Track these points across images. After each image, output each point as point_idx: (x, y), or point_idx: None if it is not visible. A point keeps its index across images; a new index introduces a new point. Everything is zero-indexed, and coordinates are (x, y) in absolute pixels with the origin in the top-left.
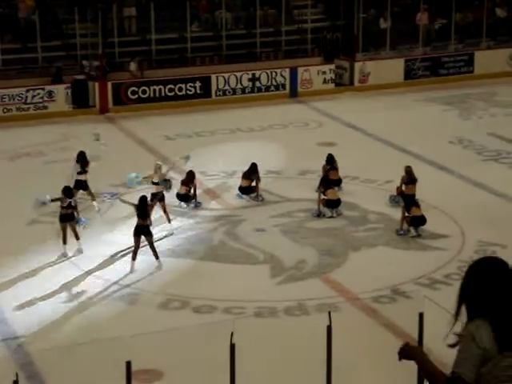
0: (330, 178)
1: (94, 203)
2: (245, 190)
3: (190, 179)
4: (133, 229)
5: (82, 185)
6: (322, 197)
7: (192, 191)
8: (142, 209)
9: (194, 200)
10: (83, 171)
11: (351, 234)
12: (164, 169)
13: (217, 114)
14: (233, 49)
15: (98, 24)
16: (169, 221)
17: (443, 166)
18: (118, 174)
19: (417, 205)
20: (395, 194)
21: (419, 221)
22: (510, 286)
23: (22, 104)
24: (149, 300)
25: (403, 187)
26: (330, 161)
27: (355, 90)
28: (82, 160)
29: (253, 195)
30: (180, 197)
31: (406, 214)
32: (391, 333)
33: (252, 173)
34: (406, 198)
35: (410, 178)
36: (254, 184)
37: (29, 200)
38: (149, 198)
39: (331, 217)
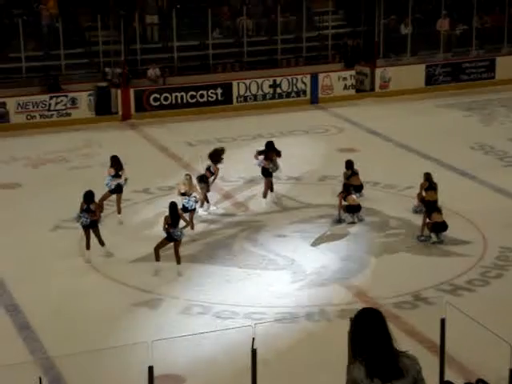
0: (351, 184)
1: (119, 216)
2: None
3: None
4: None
5: (120, 188)
6: (343, 202)
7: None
8: (174, 216)
9: (208, 204)
10: (118, 175)
11: (372, 239)
12: (194, 180)
13: (238, 121)
14: (254, 55)
15: (121, 31)
16: (192, 227)
17: (465, 171)
18: (140, 180)
19: (438, 211)
20: (416, 203)
21: (440, 227)
22: (380, 332)
23: (45, 111)
24: (171, 305)
25: (423, 193)
26: (351, 166)
27: (376, 96)
28: (117, 164)
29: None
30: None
31: (428, 220)
32: (413, 339)
33: (270, 151)
34: (427, 204)
35: (429, 185)
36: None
37: (52, 206)
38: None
39: (352, 222)
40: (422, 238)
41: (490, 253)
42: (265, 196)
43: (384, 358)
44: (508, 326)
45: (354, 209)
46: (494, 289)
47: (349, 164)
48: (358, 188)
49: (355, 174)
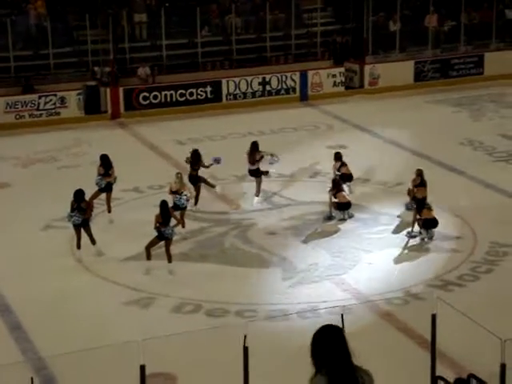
0: (343, 173)
1: (109, 215)
2: (254, 172)
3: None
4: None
5: (110, 187)
6: (333, 199)
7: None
8: (164, 214)
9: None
10: (108, 174)
11: (363, 236)
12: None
13: (228, 119)
14: (243, 53)
15: (109, 30)
16: (183, 226)
17: (454, 167)
18: (130, 179)
19: (428, 207)
20: (409, 200)
21: (431, 223)
22: (341, 347)
23: (34, 110)
24: (162, 304)
25: (414, 190)
26: (339, 158)
27: (365, 93)
28: (106, 163)
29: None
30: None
31: (418, 217)
32: (404, 335)
33: (254, 153)
34: (418, 201)
35: (420, 181)
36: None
37: (42, 205)
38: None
39: (342, 219)
40: (413, 233)
41: (480, 248)
42: (257, 194)
43: (345, 372)
44: (499, 321)
45: (344, 206)
46: (485, 284)
47: (337, 156)
48: (349, 177)
49: (344, 165)
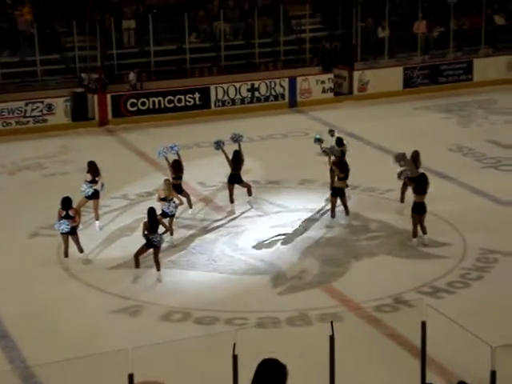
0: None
1: (97, 223)
2: (235, 178)
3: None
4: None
5: (97, 194)
6: (336, 180)
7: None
8: (152, 221)
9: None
10: (95, 181)
11: (352, 243)
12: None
13: (216, 125)
14: (231, 59)
15: (97, 36)
16: (171, 233)
17: (443, 173)
18: (118, 186)
19: (422, 192)
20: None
21: (419, 208)
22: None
23: (21, 117)
24: (150, 312)
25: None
26: (341, 144)
27: (354, 99)
28: (93, 169)
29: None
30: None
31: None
32: (394, 342)
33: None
34: (414, 179)
35: (415, 164)
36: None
37: (29, 213)
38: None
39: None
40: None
41: (470, 254)
42: (251, 194)
43: None
44: (489, 328)
45: (338, 191)
46: (475, 291)
47: (340, 141)
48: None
49: (344, 155)
